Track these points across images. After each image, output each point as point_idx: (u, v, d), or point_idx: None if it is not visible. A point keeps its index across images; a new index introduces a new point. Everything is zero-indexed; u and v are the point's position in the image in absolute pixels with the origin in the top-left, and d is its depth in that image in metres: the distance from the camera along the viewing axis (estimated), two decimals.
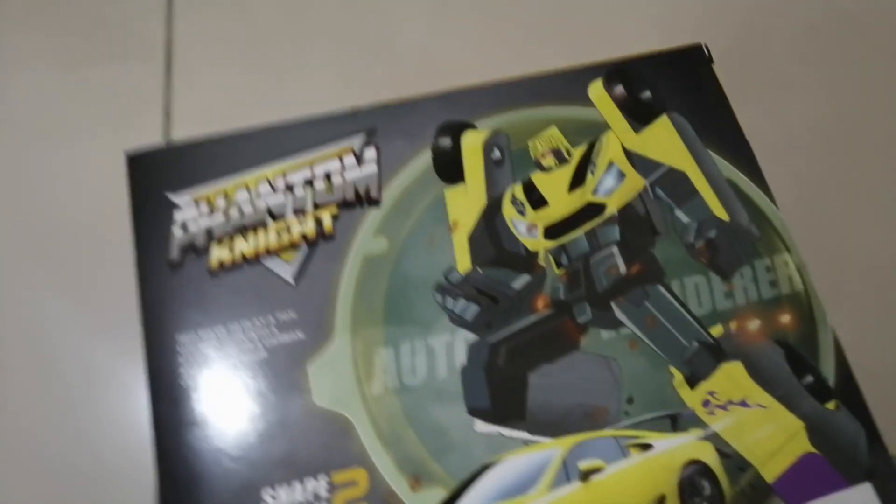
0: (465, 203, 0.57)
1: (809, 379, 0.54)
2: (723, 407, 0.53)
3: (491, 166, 0.58)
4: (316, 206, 0.55)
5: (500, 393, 0.51)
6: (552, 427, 0.51)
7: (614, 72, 0.61)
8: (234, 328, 0.51)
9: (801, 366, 0.54)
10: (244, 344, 0.51)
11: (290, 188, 0.55)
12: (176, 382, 0.50)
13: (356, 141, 0.57)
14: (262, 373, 0.50)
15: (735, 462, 0.51)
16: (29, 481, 0.56)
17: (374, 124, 0.58)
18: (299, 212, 0.55)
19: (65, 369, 0.60)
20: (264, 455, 0.48)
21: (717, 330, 0.55)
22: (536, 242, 0.57)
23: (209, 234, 0.54)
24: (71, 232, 0.64)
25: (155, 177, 0.55)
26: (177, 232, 0.54)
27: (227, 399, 0.50)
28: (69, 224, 0.64)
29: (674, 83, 0.62)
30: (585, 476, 0.49)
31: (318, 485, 0.48)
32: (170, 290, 0.52)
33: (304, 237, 0.54)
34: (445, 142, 0.58)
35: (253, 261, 0.53)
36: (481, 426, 0.51)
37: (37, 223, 0.64)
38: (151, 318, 0.51)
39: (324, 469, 0.48)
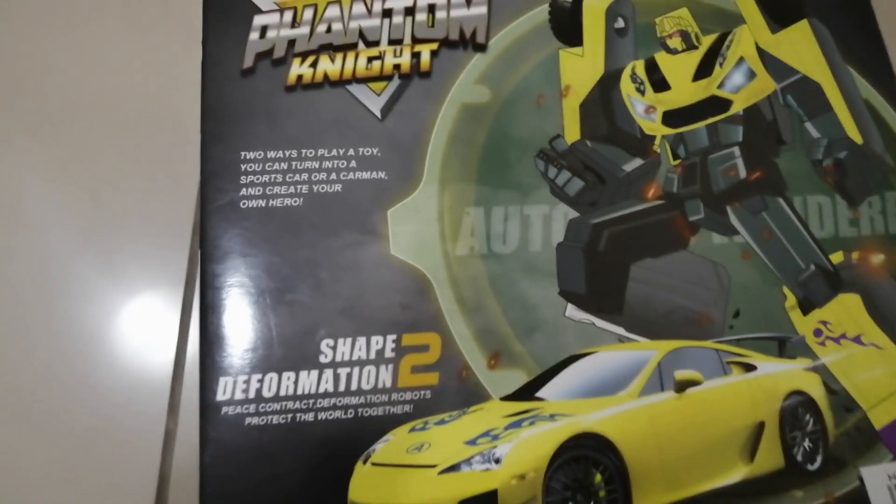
0: (580, 68, 0.50)
1: None
2: (835, 340, 0.47)
3: (612, 34, 0.51)
4: (415, 40, 0.48)
5: (598, 279, 0.45)
6: (650, 326, 0.45)
7: None
8: (308, 154, 0.44)
9: None
10: (318, 173, 0.44)
11: (387, 13, 0.48)
12: (234, 204, 0.43)
13: None
14: (335, 208, 0.43)
15: (842, 400, 0.45)
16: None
17: None
18: (395, 42, 0.47)
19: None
20: (328, 302, 0.41)
21: (837, 257, 0.49)
22: (653, 126, 0.50)
23: (290, 46, 0.46)
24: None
25: None
26: (253, 37, 0.46)
27: (291, 230, 0.42)
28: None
29: None
30: (681, 387, 0.43)
31: (385, 344, 0.41)
32: (238, 99, 0.45)
33: (398, 69, 0.47)
34: None
35: (337, 84, 0.46)
36: (573, 311, 0.44)
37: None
38: (213, 129, 0.44)
39: (393, 327, 0.41)
